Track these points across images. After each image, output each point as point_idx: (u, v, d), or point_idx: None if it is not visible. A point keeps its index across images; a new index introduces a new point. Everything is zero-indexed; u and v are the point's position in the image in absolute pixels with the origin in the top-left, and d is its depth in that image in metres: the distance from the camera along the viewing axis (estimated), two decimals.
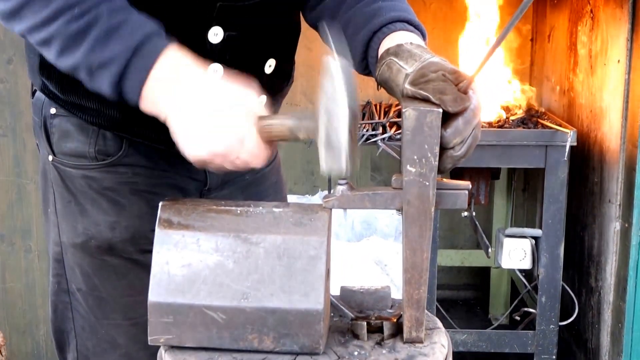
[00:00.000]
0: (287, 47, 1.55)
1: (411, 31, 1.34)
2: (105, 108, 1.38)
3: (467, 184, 1.23)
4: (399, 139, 2.54)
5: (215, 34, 1.36)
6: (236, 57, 1.39)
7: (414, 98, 1.17)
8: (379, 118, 3.11)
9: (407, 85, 1.17)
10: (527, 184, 3.78)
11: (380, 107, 3.37)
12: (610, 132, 2.72)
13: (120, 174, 1.45)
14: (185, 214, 1.23)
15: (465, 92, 1.16)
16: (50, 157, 1.48)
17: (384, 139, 2.86)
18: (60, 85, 1.41)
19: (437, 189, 1.18)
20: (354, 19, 1.40)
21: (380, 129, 2.94)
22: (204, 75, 1.24)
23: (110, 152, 1.45)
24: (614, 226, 2.69)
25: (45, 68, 1.40)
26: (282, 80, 1.56)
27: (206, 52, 1.34)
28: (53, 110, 1.46)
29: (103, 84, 1.22)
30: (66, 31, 1.20)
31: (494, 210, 3.74)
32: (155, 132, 1.37)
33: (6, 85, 3.35)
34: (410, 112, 1.15)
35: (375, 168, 3.93)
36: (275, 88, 1.54)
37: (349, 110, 1.14)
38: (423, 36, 1.37)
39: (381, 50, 1.31)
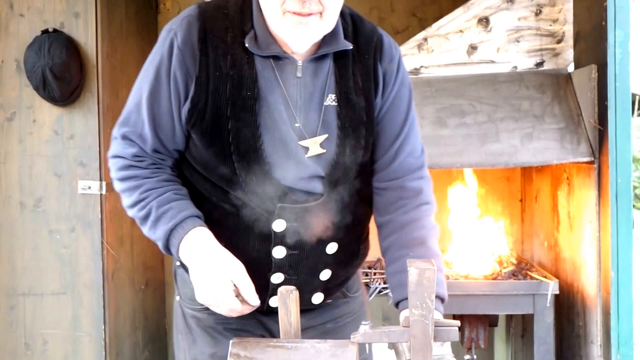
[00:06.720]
0: (349, 235, 1.93)
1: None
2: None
3: (457, 322, 1.66)
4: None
5: (279, 225, 1.82)
6: (298, 242, 1.84)
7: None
8: None
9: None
10: (524, 330, 4.13)
11: None
12: (588, 282, 3.13)
13: (216, 315, 1.88)
14: (249, 349, 1.66)
15: None
16: (178, 298, 2.02)
17: None
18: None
19: (435, 326, 1.61)
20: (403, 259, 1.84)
21: None
22: (209, 248, 1.76)
23: None
24: None
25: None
26: (349, 256, 1.97)
27: (271, 238, 1.82)
28: (178, 263, 1.96)
29: (160, 245, 1.81)
30: (138, 215, 1.83)
31: (495, 356, 4.08)
32: None
33: (68, 250, 3.78)
34: (413, 270, 1.59)
35: (385, 318, 4.32)
36: (342, 264, 1.94)
37: None
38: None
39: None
